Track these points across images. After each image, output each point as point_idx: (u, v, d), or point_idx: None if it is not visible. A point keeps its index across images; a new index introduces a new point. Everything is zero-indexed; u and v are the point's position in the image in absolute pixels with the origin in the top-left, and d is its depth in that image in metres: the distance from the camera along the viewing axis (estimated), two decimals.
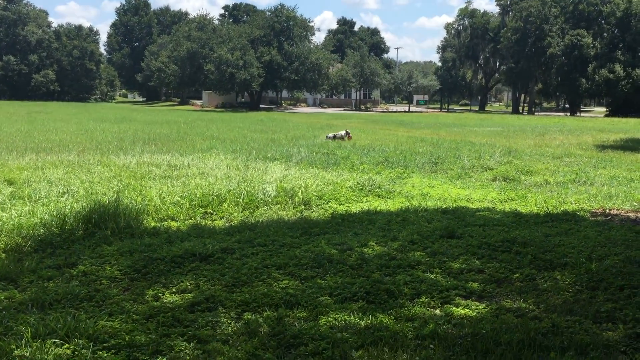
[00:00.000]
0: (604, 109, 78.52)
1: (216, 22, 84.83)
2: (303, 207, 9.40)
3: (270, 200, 9.51)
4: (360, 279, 5.53)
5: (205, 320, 4.53)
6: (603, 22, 72.31)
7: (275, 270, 5.85)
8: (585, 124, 42.81)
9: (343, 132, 22.53)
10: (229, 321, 4.55)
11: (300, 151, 17.04)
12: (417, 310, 4.77)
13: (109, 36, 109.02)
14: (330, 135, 22.62)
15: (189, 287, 5.32)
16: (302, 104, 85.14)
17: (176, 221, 8.26)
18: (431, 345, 4.07)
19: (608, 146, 21.75)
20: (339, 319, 4.58)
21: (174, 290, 5.26)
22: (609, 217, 8.58)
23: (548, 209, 8.95)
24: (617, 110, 67.14)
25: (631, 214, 8.81)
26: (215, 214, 8.80)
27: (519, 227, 7.79)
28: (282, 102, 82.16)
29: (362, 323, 4.49)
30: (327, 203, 9.79)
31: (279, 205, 9.32)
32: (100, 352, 3.96)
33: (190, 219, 8.44)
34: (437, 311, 4.79)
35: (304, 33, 72.91)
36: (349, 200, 10.13)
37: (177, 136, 23.33)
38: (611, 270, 5.76)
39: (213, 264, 6.03)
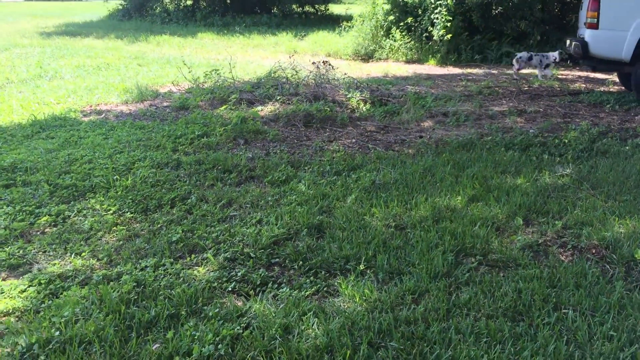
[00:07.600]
0: None
1: None
2: None
3: None
4: None
5: None
6: None
7: None
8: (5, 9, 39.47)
9: (556, 53, 10.74)
10: None
11: None
12: None
13: None
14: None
15: None
16: None
17: None
18: None
19: (52, 33, 20.38)
20: None
21: None
22: (103, 114, 7.67)
23: (34, 117, 7.36)
24: None
25: (123, 108, 8.14)
26: None
27: (11, 147, 6.11)
28: None
29: None
30: None
31: None
32: None
33: None
34: None
35: None
36: None
37: None
38: (147, 182, 5.01)
39: None
